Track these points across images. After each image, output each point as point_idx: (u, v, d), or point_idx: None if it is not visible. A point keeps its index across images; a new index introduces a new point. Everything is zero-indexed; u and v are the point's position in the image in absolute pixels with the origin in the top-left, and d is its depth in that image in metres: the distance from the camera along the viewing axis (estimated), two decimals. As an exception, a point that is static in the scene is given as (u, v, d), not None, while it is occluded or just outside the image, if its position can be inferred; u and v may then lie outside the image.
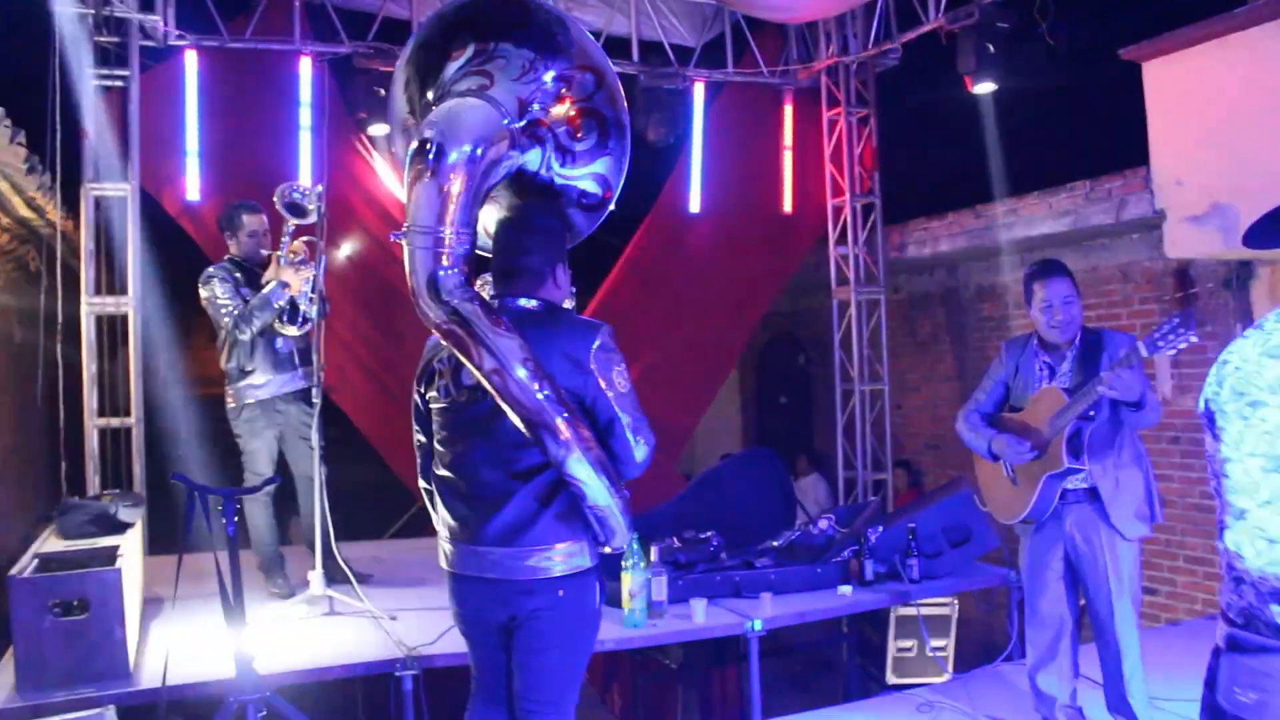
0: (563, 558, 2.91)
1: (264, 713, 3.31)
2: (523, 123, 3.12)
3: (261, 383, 5.35)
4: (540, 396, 2.78)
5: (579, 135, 3.29)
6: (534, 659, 2.98)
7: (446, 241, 2.84)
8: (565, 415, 2.80)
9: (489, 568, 2.93)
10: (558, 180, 3.29)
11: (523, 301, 3.02)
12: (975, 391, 4.35)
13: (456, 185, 2.86)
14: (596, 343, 2.97)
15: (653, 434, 2.98)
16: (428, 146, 2.85)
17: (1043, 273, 4.07)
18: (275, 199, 5.26)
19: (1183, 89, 6.44)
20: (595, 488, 2.84)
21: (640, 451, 2.94)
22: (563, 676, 3.02)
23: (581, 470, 2.81)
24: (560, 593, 2.92)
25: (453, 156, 2.86)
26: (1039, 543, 4.11)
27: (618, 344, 3.03)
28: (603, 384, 2.92)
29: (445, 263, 2.83)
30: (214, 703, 3.45)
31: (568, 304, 3.44)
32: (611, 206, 3.41)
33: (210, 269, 5.41)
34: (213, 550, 3.48)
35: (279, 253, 5.29)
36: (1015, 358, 4.20)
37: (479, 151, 2.91)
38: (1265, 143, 5.84)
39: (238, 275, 5.37)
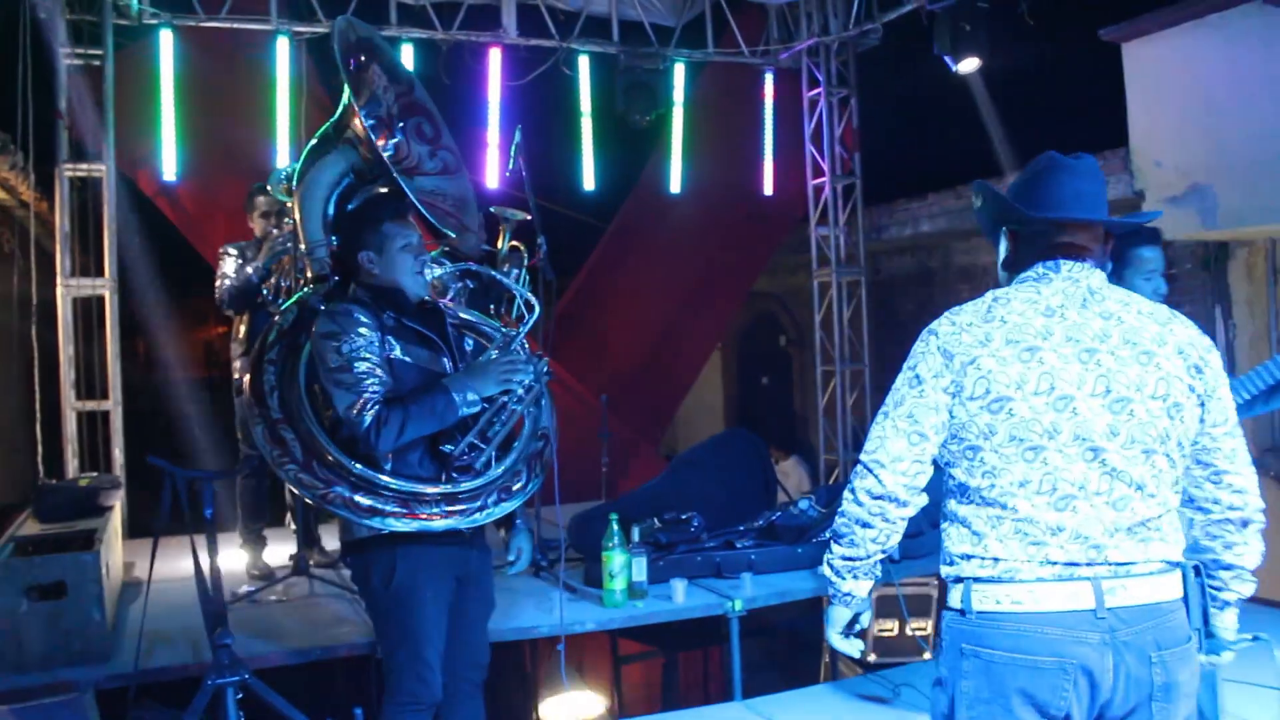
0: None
1: (241, 695, 3.30)
2: None
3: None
4: None
5: None
6: None
7: None
8: None
9: None
10: None
11: None
12: None
13: None
14: None
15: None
16: None
17: (1145, 238, 3.54)
18: (269, 187, 5.23)
19: (1161, 70, 6.46)
20: None
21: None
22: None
23: None
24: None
25: None
26: None
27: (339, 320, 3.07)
28: None
29: None
30: (192, 686, 3.43)
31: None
32: None
33: (222, 248, 5.38)
34: (189, 533, 3.46)
35: (276, 233, 5.24)
36: None
37: None
38: (1242, 124, 5.87)
39: (249, 254, 5.33)
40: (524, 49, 7.71)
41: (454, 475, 3.09)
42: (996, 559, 2.07)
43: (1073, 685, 2.00)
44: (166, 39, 6.71)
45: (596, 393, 7.00)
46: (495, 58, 7.57)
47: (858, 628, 2.40)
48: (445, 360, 3.19)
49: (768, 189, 8.80)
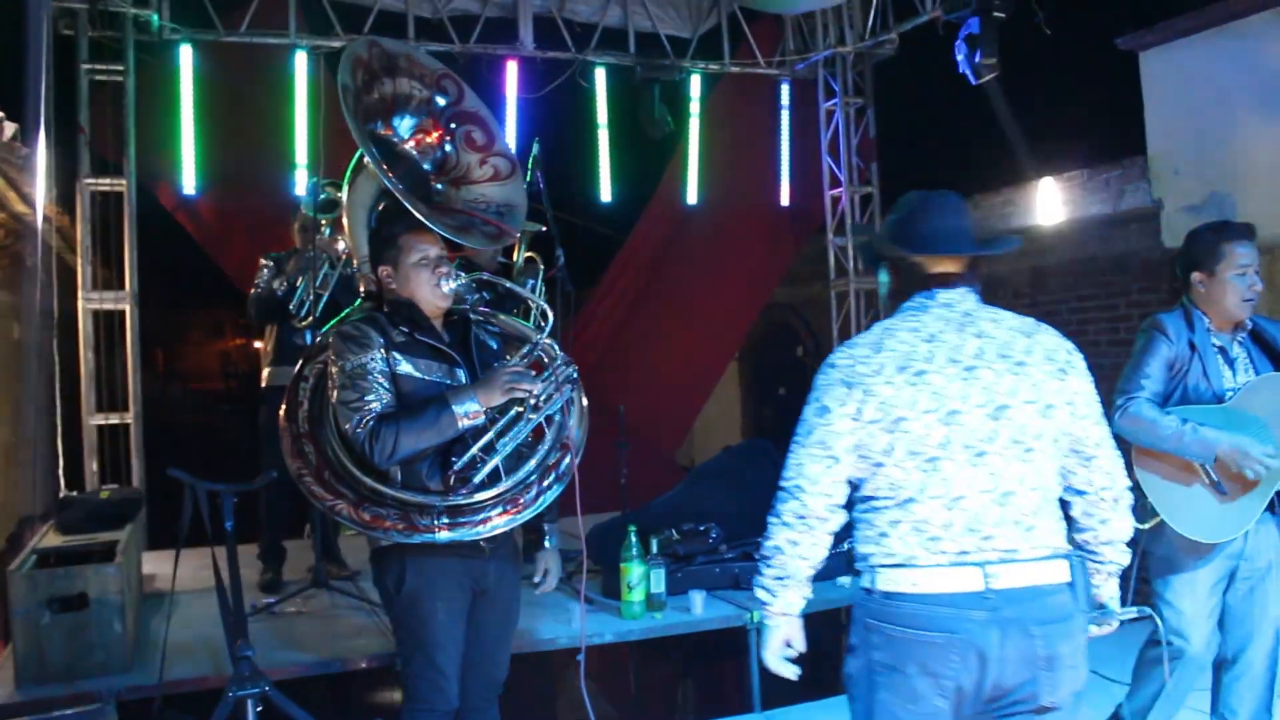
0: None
1: (262, 707, 3.31)
2: None
3: (276, 370, 5.36)
4: None
5: None
6: None
7: None
8: None
9: None
10: None
11: None
12: (1131, 374, 3.45)
13: None
14: None
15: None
16: None
17: (1239, 232, 3.45)
18: (304, 209, 5.27)
19: (1179, 78, 6.44)
20: None
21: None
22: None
23: None
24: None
25: None
26: (1218, 568, 3.41)
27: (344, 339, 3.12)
28: None
29: None
30: (213, 697, 3.44)
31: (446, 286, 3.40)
32: None
33: (265, 256, 5.44)
34: (210, 545, 3.48)
35: (309, 251, 5.26)
36: (1185, 334, 3.43)
37: None
38: (1263, 132, 5.85)
39: (285, 265, 5.38)
40: (540, 61, 7.74)
41: (454, 487, 3.07)
42: (897, 553, 2.34)
43: (961, 658, 2.26)
44: (187, 54, 6.77)
45: (614, 403, 7.00)
46: (512, 70, 7.60)
47: (792, 651, 2.58)
48: (461, 372, 3.19)
49: (784, 199, 8.80)
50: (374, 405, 2.99)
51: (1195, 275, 3.47)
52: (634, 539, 4.80)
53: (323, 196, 5.21)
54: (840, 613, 6.02)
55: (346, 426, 3.00)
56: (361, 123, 3.37)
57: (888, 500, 2.37)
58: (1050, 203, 7.67)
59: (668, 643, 5.18)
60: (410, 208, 3.19)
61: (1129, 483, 2.52)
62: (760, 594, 2.54)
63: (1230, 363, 3.44)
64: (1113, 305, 7.83)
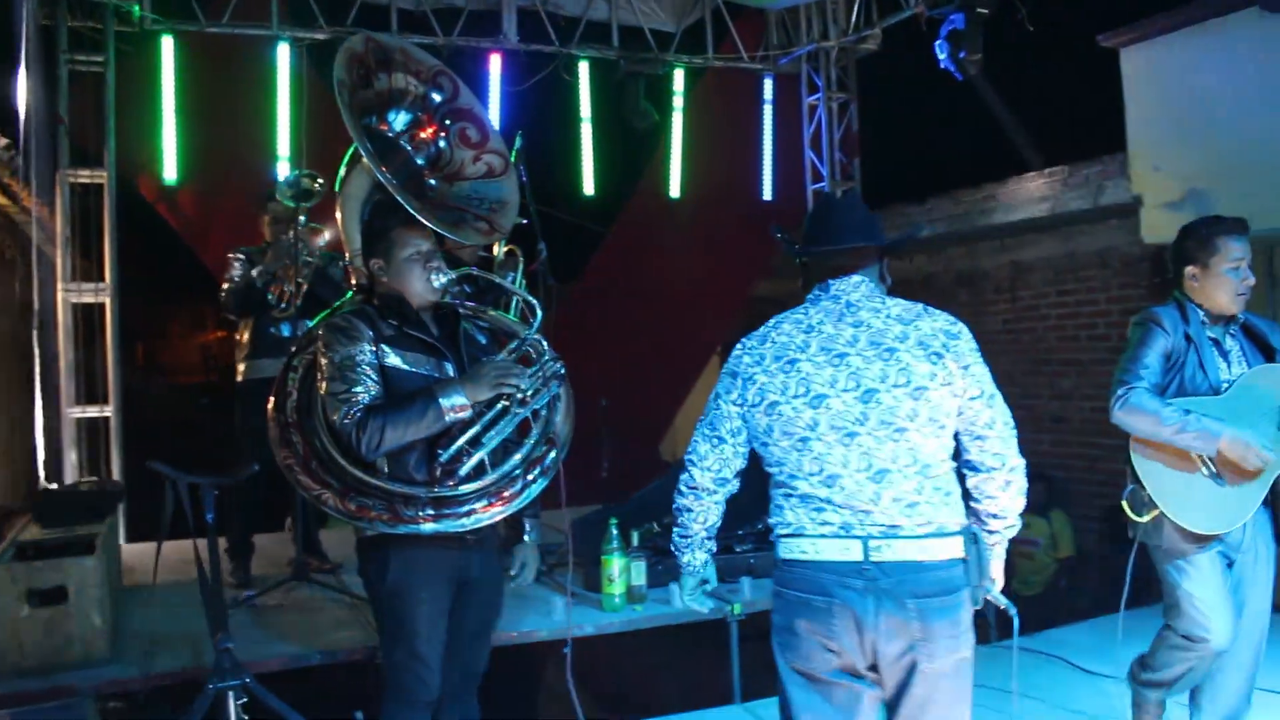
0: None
1: (243, 700, 3.31)
2: None
3: (253, 364, 5.33)
4: None
5: None
6: None
7: None
8: None
9: None
10: None
11: None
12: (1129, 365, 3.40)
13: None
14: None
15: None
16: None
17: (1233, 227, 3.44)
18: (278, 195, 5.25)
19: (1159, 75, 6.49)
20: None
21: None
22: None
23: None
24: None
25: None
26: (1217, 558, 3.40)
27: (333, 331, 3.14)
28: None
29: None
30: (193, 690, 3.44)
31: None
32: None
33: (234, 251, 5.40)
34: (192, 538, 3.47)
35: (283, 239, 5.24)
36: (1180, 327, 3.42)
37: None
38: (1240, 129, 5.90)
39: (257, 258, 5.34)
40: (524, 54, 7.74)
41: (440, 479, 3.09)
42: (791, 524, 2.59)
43: (841, 621, 2.49)
44: (168, 45, 6.74)
45: (597, 396, 7.01)
46: (496, 63, 7.60)
47: (708, 587, 2.96)
48: (449, 366, 3.20)
49: (767, 193, 8.83)
50: (362, 397, 3.01)
51: (1189, 269, 3.46)
52: (615, 532, 4.81)
53: (296, 187, 5.19)
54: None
55: (334, 417, 3.02)
56: (357, 117, 3.38)
57: (779, 476, 2.64)
58: (1031, 198, 7.71)
59: (649, 635, 5.20)
60: (403, 202, 3.21)
61: (1020, 462, 2.63)
62: (673, 549, 2.92)
63: (1224, 355, 3.44)
64: (1093, 300, 7.88)
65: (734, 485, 2.78)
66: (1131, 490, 3.43)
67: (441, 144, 3.63)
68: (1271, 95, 5.73)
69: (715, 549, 2.90)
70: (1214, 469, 3.33)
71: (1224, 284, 3.39)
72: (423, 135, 3.61)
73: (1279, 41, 5.68)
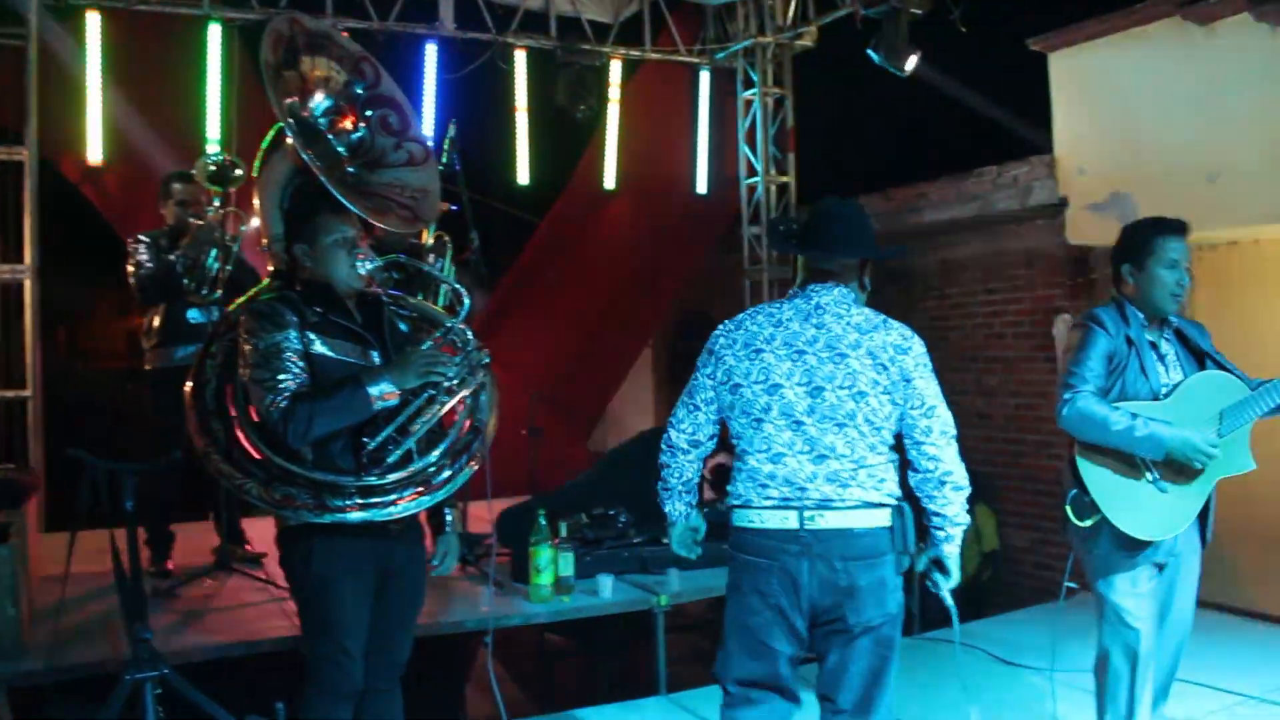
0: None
1: (160, 690, 3.26)
2: None
3: (165, 350, 5.23)
4: None
5: None
6: None
7: None
8: None
9: None
10: None
11: None
12: (1073, 368, 3.42)
13: None
14: None
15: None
16: None
17: (1172, 227, 3.46)
18: (195, 172, 5.16)
19: (1086, 80, 6.62)
20: None
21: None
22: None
23: None
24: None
25: None
26: (1151, 565, 3.45)
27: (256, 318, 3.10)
28: None
29: None
30: (110, 682, 3.38)
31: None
32: None
33: (135, 237, 5.27)
34: (109, 527, 3.40)
35: (198, 223, 5.16)
36: (1121, 328, 3.44)
37: None
38: (1162, 135, 6.04)
39: (163, 243, 5.23)
40: (460, 42, 7.68)
41: (367, 467, 3.07)
42: (742, 495, 2.95)
43: (780, 581, 2.85)
44: (94, 21, 6.58)
45: (527, 388, 6.99)
46: (431, 51, 7.52)
47: (698, 535, 3.28)
48: (375, 354, 3.19)
49: (702, 187, 8.86)
50: (288, 385, 2.97)
51: (1126, 267, 3.50)
52: (543, 522, 4.81)
53: (215, 170, 5.12)
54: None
55: (259, 405, 2.98)
56: (281, 99, 3.33)
57: (739, 447, 3.00)
58: (961, 197, 7.82)
59: (576, 626, 5.21)
60: (329, 187, 3.17)
61: (957, 468, 2.92)
62: (659, 502, 3.25)
63: (1162, 359, 3.46)
64: (1018, 299, 8.02)
65: (707, 446, 3.13)
66: (1074, 494, 3.45)
67: (363, 131, 3.59)
68: (1191, 102, 5.87)
69: (694, 501, 3.24)
70: (1157, 474, 3.35)
71: (1158, 283, 3.42)
72: (344, 123, 3.57)
73: (1199, 50, 5.82)
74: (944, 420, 2.91)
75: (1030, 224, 7.67)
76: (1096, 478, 3.39)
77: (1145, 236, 3.47)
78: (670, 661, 4.82)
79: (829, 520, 2.83)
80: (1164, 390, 3.42)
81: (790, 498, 2.87)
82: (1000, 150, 7.52)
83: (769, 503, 2.90)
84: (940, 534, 2.96)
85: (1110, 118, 6.41)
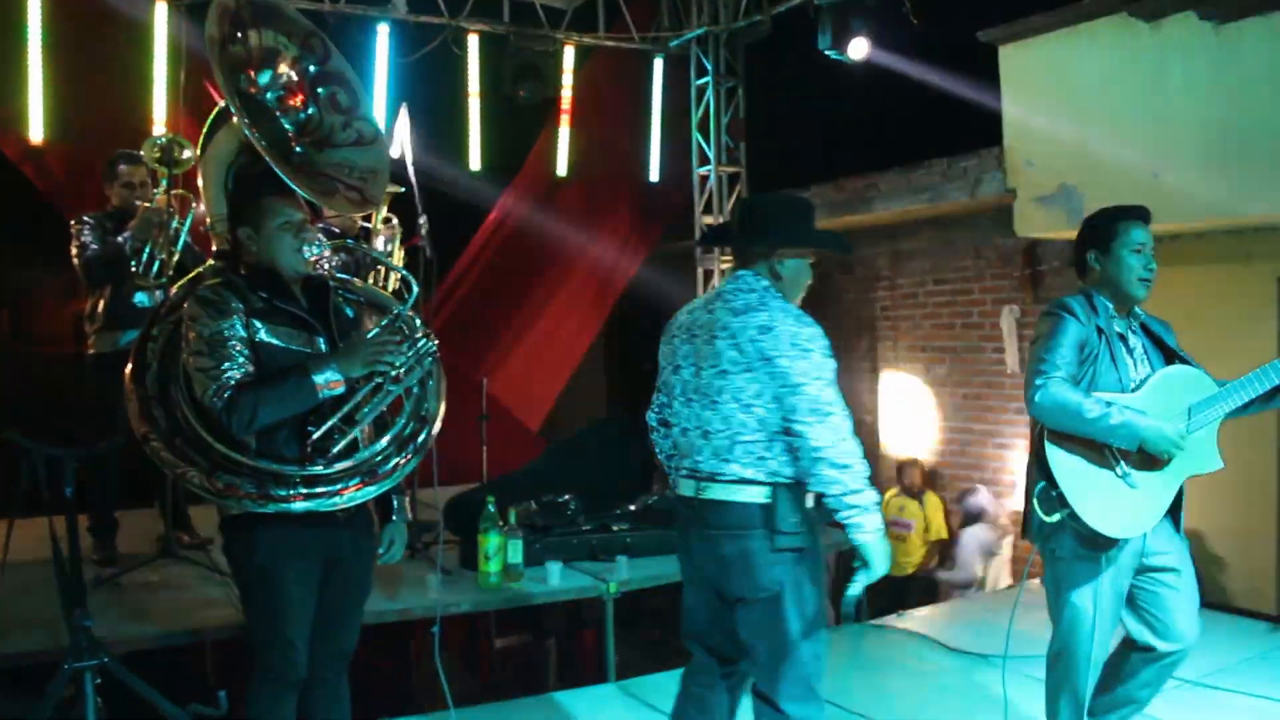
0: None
1: (100, 680, 3.21)
2: None
3: (110, 335, 5.15)
4: None
5: None
6: None
7: None
8: None
9: None
10: None
11: None
12: (1044, 355, 3.29)
13: None
14: None
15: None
16: None
17: (1136, 214, 3.42)
18: (143, 153, 5.07)
19: (1035, 73, 6.68)
20: None
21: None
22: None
23: None
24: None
25: None
26: (1121, 570, 3.33)
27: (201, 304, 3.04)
28: None
29: None
30: (49, 671, 3.33)
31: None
32: None
33: (79, 217, 5.17)
34: (47, 514, 3.34)
35: (146, 205, 5.07)
36: (1092, 319, 3.35)
37: None
38: (1107, 129, 6.11)
39: (108, 225, 5.13)
40: (413, 25, 7.61)
41: (311, 457, 3.04)
42: (672, 467, 3.25)
43: (683, 545, 3.22)
44: (35, -3, 6.45)
45: (477, 374, 6.96)
46: (383, 33, 7.45)
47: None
48: (321, 341, 3.14)
49: (654, 175, 8.86)
50: (232, 374, 2.92)
51: (1091, 254, 3.43)
52: (492, 509, 4.80)
53: (158, 152, 5.04)
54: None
55: (202, 394, 2.93)
56: (228, 74, 3.26)
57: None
58: (912, 188, 7.88)
59: (525, 613, 5.20)
60: (275, 168, 3.11)
61: (826, 444, 2.91)
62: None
63: (1130, 352, 3.39)
64: (967, 289, 8.12)
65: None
66: (1042, 487, 3.29)
67: (311, 109, 3.50)
68: (1136, 97, 5.96)
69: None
70: (1126, 468, 3.25)
71: (1125, 267, 3.35)
72: (292, 100, 3.48)
73: (1145, 45, 5.90)
74: (812, 398, 2.90)
75: (980, 216, 7.76)
76: (1066, 468, 3.25)
77: (1109, 222, 3.42)
78: (619, 649, 4.82)
79: (714, 492, 3.05)
80: (1133, 383, 3.35)
81: (689, 469, 3.13)
82: (952, 141, 7.57)
83: (681, 473, 3.18)
84: (843, 519, 2.94)
85: (1058, 112, 6.48)
